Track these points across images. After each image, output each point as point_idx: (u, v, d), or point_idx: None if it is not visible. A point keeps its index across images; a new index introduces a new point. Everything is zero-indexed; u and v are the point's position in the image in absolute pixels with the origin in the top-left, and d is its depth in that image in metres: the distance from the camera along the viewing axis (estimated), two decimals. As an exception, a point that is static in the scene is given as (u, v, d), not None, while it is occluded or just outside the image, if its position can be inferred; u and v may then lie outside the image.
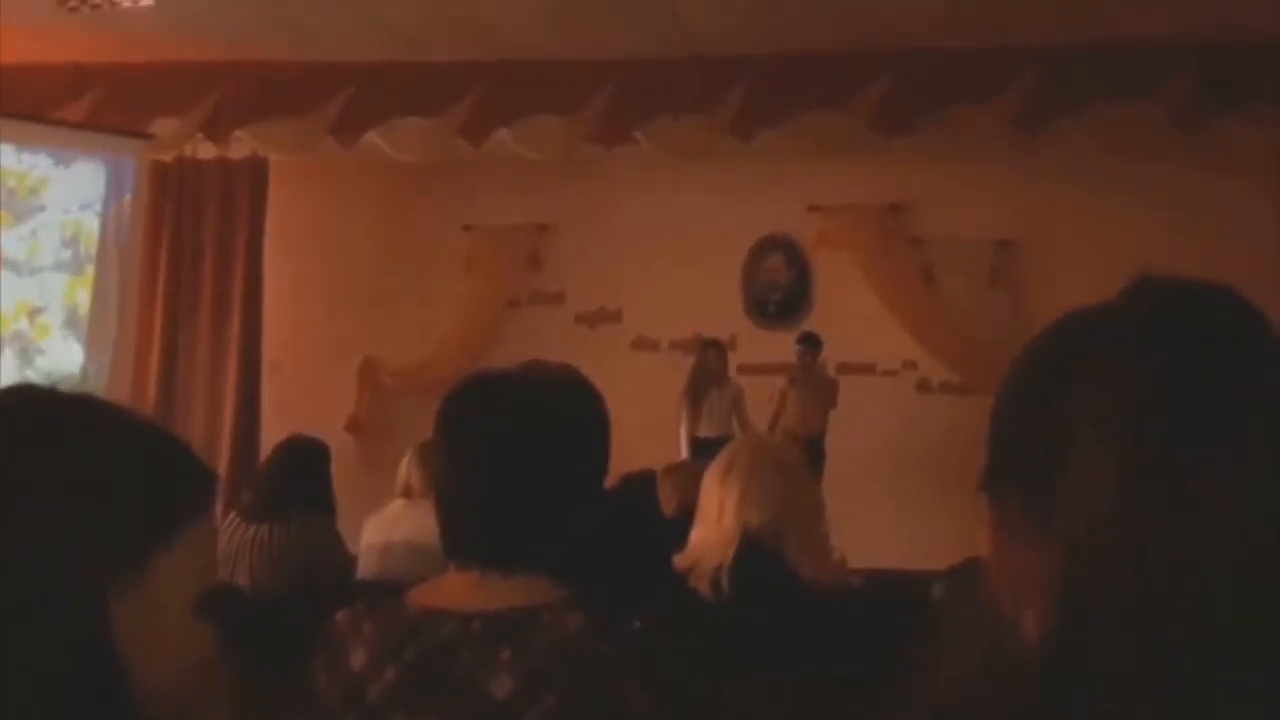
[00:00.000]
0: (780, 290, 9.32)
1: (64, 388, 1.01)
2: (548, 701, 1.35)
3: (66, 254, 8.09)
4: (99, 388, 7.52)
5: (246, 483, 5.56)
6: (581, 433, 1.51)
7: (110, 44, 7.62)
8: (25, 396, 1.01)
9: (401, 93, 7.99)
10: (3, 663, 0.86)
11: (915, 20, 7.13)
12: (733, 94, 7.85)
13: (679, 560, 2.45)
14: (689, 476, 3.31)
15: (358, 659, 1.44)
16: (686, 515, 2.60)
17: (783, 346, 8.52)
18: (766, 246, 9.32)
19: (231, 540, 4.02)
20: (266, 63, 7.96)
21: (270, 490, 4.18)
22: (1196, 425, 0.74)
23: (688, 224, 9.02)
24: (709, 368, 8.27)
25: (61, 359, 7.92)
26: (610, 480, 1.57)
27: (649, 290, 9.10)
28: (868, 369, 8.96)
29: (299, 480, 4.22)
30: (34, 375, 7.50)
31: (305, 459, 4.34)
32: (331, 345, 9.19)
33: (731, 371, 8.59)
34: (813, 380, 8.26)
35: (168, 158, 8.60)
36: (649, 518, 3.71)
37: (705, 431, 8.11)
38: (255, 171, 8.73)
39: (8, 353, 7.81)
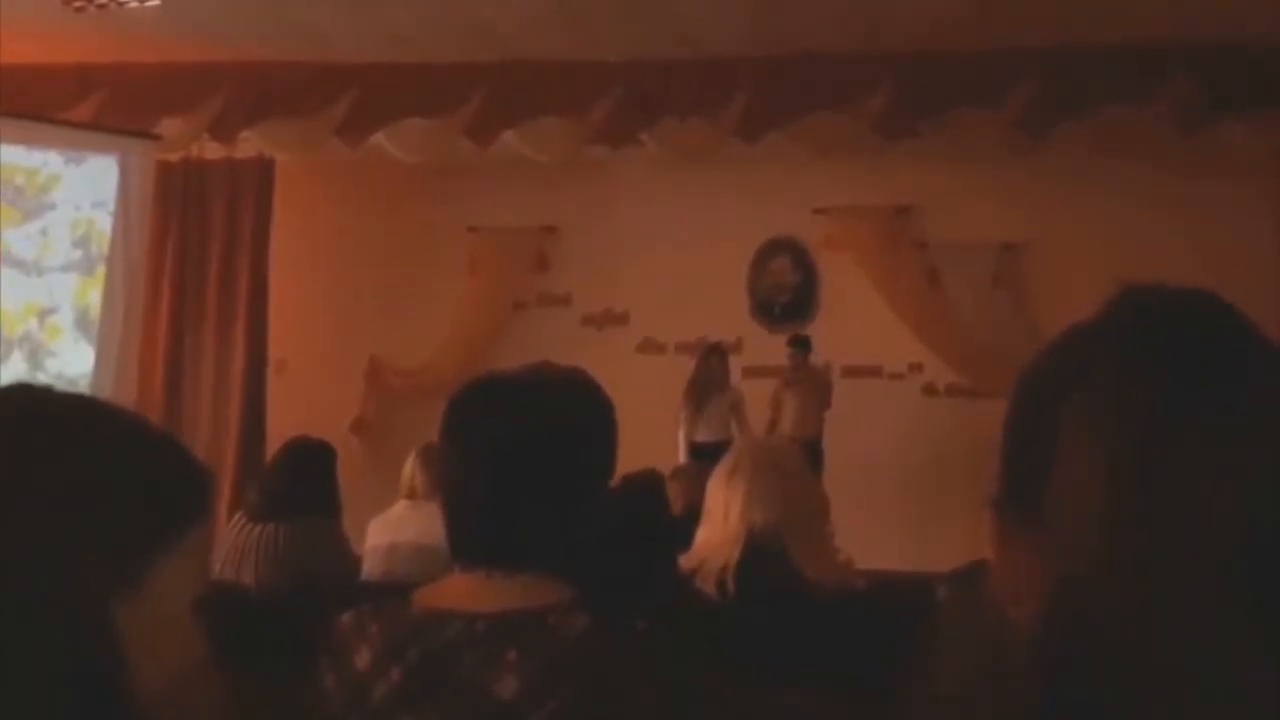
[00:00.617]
0: (786, 292, 9.32)
1: (69, 389, 1.01)
2: (553, 703, 1.35)
3: (77, 254, 7.95)
4: (106, 389, 7.51)
5: (252, 483, 5.56)
6: (588, 435, 1.51)
7: (116, 44, 7.63)
8: (26, 396, 1.00)
9: (407, 94, 7.99)
10: (3, 665, 0.85)
11: (920, 23, 7.13)
12: (739, 96, 7.85)
13: (684, 561, 2.45)
14: (696, 478, 3.32)
15: (363, 659, 1.44)
16: (693, 517, 2.61)
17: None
18: (772, 249, 9.32)
19: (237, 540, 4.03)
20: (272, 63, 7.97)
21: (276, 491, 4.19)
22: (1187, 432, 0.74)
23: (694, 226, 9.03)
24: (711, 373, 8.27)
25: (72, 362, 7.81)
26: (614, 481, 1.57)
27: (655, 292, 9.11)
28: (874, 371, 8.96)
29: (305, 481, 4.22)
30: (44, 378, 7.41)
31: (312, 460, 4.35)
32: (337, 346, 9.20)
33: (737, 374, 8.60)
34: (806, 382, 8.25)
35: (174, 158, 8.61)
36: (656, 516, 3.72)
37: (703, 436, 8.11)
38: (261, 172, 8.75)
39: (17, 355, 7.69)
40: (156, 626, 0.93)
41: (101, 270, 8.00)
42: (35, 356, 7.78)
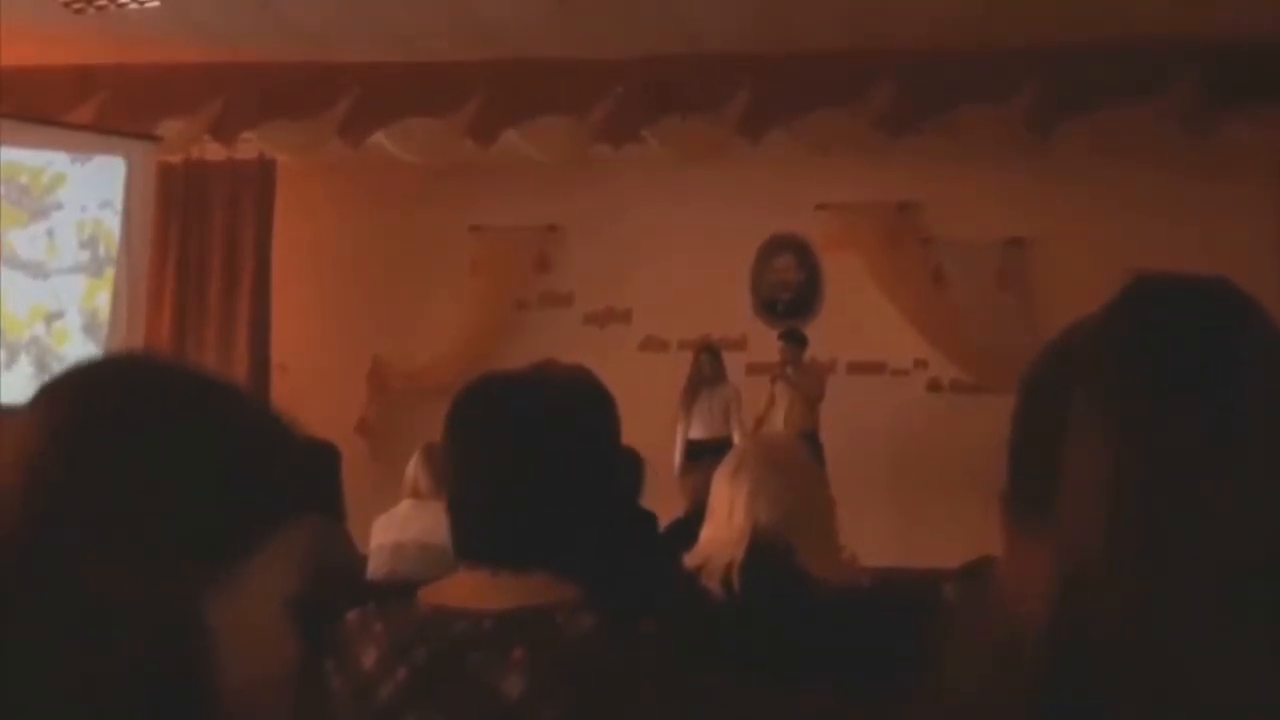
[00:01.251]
0: (790, 290, 9.32)
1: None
2: (560, 701, 1.34)
3: (85, 255, 7.76)
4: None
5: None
6: (591, 432, 1.51)
7: (116, 46, 7.63)
8: (137, 365, 0.95)
9: (409, 94, 7.99)
10: (87, 650, 0.79)
11: (923, 21, 7.12)
12: (741, 94, 7.85)
13: (689, 559, 2.45)
14: (704, 474, 3.31)
15: (369, 659, 1.44)
16: (701, 513, 2.61)
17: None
18: (776, 246, 9.32)
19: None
20: (273, 64, 7.97)
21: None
22: (1194, 425, 0.74)
23: (696, 224, 9.02)
24: (701, 371, 8.28)
25: (81, 367, 7.69)
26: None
27: (658, 291, 9.10)
28: (878, 368, 8.96)
29: (309, 482, 4.21)
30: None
31: (315, 460, 4.33)
32: (339, 347, 9.20)
33: (741, 371, 8.59)
34: (798, 376, 8.22)
35: (175, 160, 8.61)
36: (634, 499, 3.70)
37: (696, 434, 8.12)
38: (263, 173, 8.75)
39: (24, 360, 7.53)
40: (249, 624, 0.86)
41: (110, 272, 7.84)
42: (43, 361, 7.57)
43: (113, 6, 6.80)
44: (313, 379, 8.96)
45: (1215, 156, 7.99)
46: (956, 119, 7.70)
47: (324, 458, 4.38)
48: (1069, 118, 7.58)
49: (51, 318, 7.73)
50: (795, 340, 8.32)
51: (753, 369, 8.74)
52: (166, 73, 8.01)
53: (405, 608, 1.47)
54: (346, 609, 1.51)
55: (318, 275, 9.23)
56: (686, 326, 9.01)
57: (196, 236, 8.74)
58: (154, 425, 0.87)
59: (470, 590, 1.45)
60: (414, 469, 4.48)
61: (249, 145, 8.51)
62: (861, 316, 8.83)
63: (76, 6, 6.73)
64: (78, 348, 7.66)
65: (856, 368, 8.81)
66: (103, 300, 7.84)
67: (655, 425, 7.87)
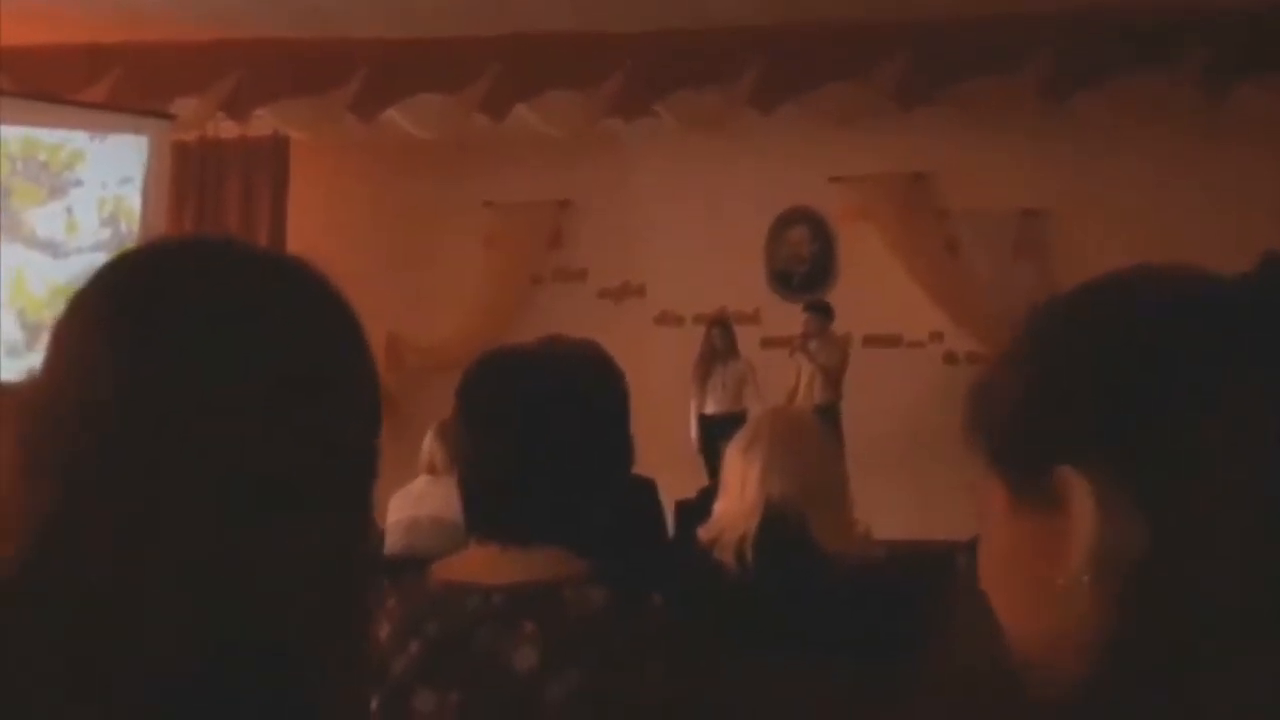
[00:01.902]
0: (804, 263, 9.29)
1: None
2: (571, 675, 1.35)
3: (106, 233, 7.62)
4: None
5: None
6: (600, 406, 1.51)
7: (129, 24, 7.63)
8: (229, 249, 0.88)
9: (420, 69, 7.98)
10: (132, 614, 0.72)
11: (937, -12, 7.07)
12: (753, 66, 7.81)
13: (702, 532, 2.45)
14: None
15: (382, 633, 1.44)
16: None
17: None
18: (789, 219, 9.29)
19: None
20: (285, 41, 7.96)
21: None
22: None
23: (710, 197, 9.00)
24: (714, 345, 8.26)
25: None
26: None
27: (672, 265, 9.09)
28: (894, 341, 8.93)
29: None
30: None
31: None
32: (355, 323, 9.21)
33: (756, 344, 8.57)
34: (819, 349, 8.18)
35: (189, 138, 8.62)
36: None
37: (710, 409, 8.10)
38: (276, 150, 8.76)
39: (45, 341, 7.50)
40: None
41: (131, 250, 7.85)
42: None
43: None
44: (328, 355, 8.98)
45: (1230, 124, 7.92)
46: (970, 89, 7.65)
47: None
48: (1083, 86, 7.52)
49: (71, 298, 7.71)
50: (819, 311, 8.27)
51: (767, 343, 8.73)
52: (179, 50, 8.00)
53: (418, 583, 1.48)
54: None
55: (332, 252, 9.12)
56: (701, 301, 8.99)
57: (211, 214, 8.76)
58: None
59: (481, 565, 1.45)
60: (429, 444, 4.50)
61: (262, 122, 8.51)
62: (876, 289, 8.80)
63: (87, -16, 6.73)
64: (100, 329, 7.64)
65: (872, 340, 8.78)
66: (124, 280, 7.80)
67: (670, 400, 7.89)
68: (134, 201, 7.84)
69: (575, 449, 1.46)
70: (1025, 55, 7.50)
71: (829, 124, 8.15)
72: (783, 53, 7.74)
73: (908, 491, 8.03)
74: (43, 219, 7.58)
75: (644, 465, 1.76)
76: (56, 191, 7.65)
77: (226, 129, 8.60)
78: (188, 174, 8.67)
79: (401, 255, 9.27)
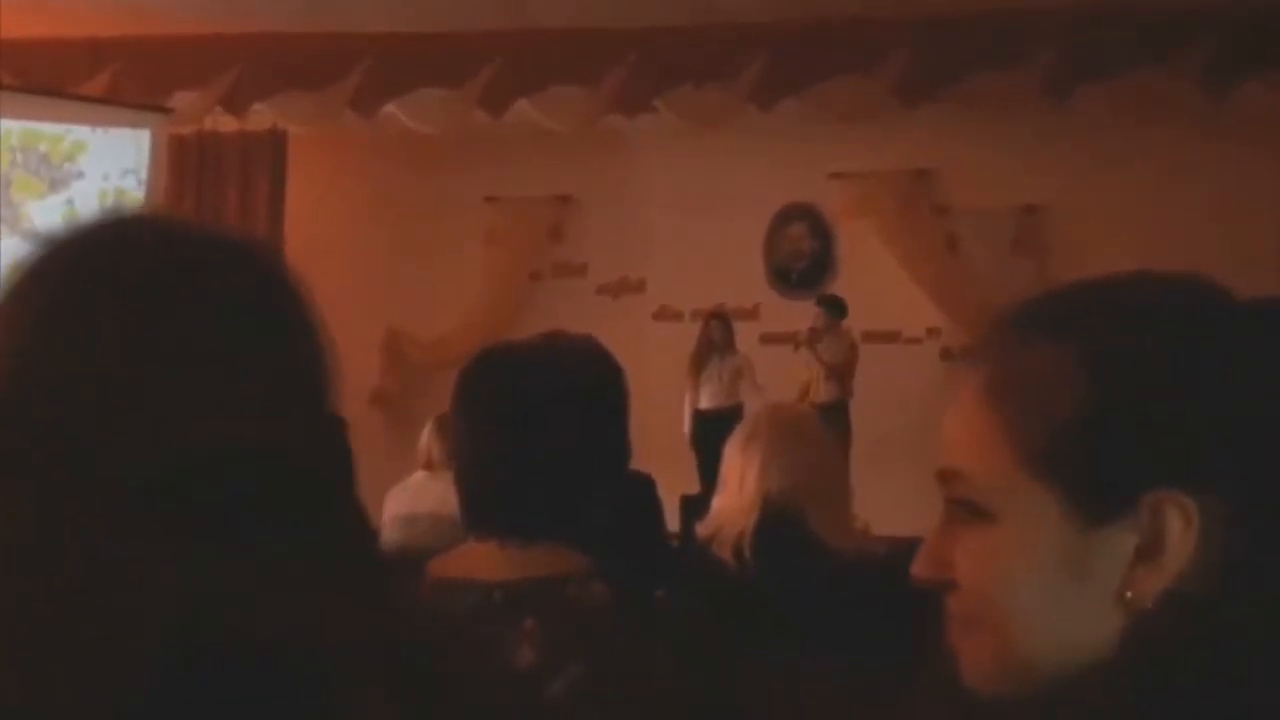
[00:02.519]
0: (803, 259, 9.29)
1: None
2: (571, 672, 1.34)
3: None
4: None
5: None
6: (598, 403, 1.50)
7: (128, 18, 7.62)
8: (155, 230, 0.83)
9: (420, 64, 7.97)
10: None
11: (938, -15, 7.06)
12: (754, 62, 7.80)
13: (701, 528, 2.45)
14: None
15: (379, 631, 1.44)
16: None
17: (806, 315, 8.48)
18: (789, 215, 9.28)
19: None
20: (285, 35, 7.95)
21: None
22: None
23: (710, 193, 8.99)
24: (712, 338, 8.24)
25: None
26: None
27: (672, 260, 9.09)
28: (892, 337, 8.93)
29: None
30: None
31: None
32: (353, 319, 9.13)
33: (755, 341, 8.57)
34: (827, 345, 8.17)
35: (187, 132, 8.60)
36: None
37: (705, 403, 8.08)
38: (274, 145, 8.74)
39: None
40: None
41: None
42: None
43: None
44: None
45: (1232, 121, 7.91)
46: (973, 85, 7.64)
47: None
48: (1085, 83, 7.51)
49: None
50: (829, 306, 8.24)
51: (766, 339, 8.72)
52: (178, 44, 7.99)
53: (415, 579, 1.47)
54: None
55: (331, 247, 9.22)
56: (700, 296, 8.99)
57: (209, 209, 8.74)
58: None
59: (480, 562, 1.45)
60: (427, 440, 4.49)
61: (261, 117, 8.49)
62: (875, 285, 8.80)
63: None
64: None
65: (870, 336, 8.77)
66: (128, 275, 7.77)
67: (669, 395, 7.89)
68: (137, 194, 7.80)
69: (575, 445, 1.46)
70: (1027, 52, 7.50)
71: (829, 120, 8.14)
72: (784, 49, 7.73)
73: (905, 487, 8.00)
74: (43, 213, 7.53)
75: (642, 461, 1.76)
76: (58, 184, 7.62)
77: (225, 123, 8.59)
78: (185, 168, 8.66)
79: (401, 251, 9.26)
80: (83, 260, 0.77)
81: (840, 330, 8.26)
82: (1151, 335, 0.73)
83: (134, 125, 7.96)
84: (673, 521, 4.81)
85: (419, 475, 4.47)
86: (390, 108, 8.17)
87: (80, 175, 7.65)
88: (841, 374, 8.13)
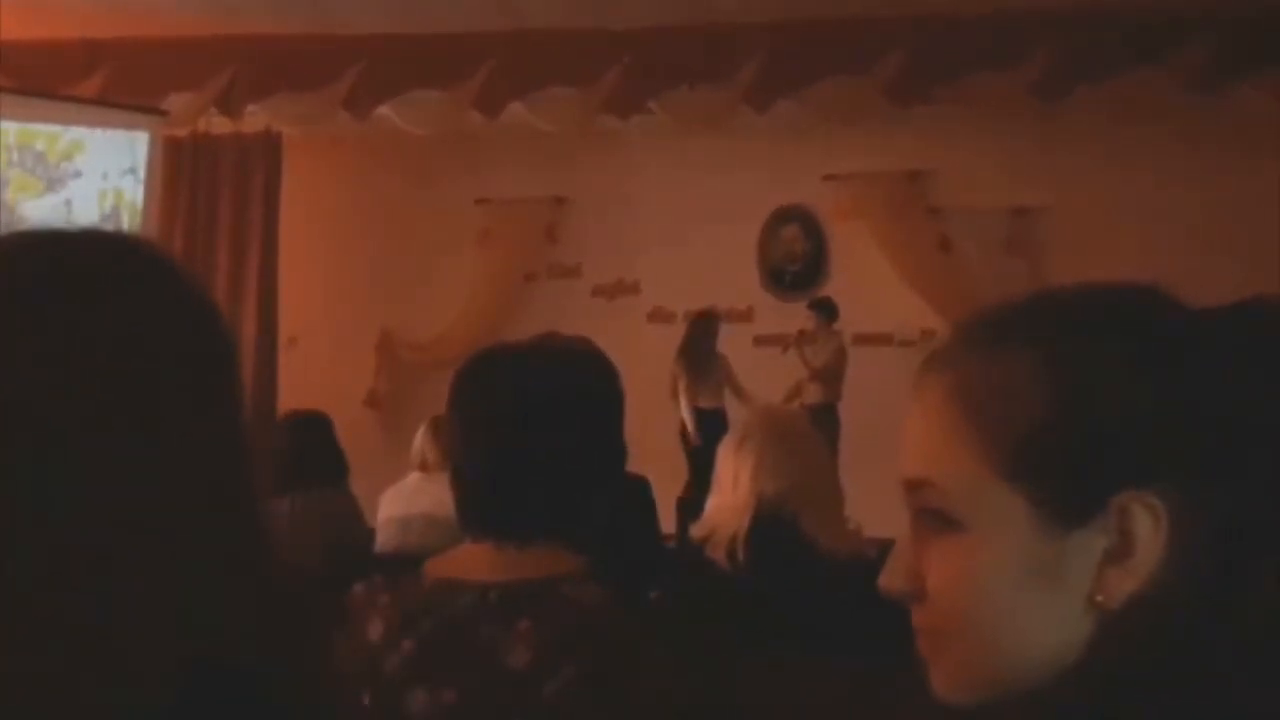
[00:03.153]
0: (797, 261, 9.30)
1: None
2: (566, 672, 1.35)
3: (107, 227, 7.54)
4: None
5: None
6: (593, 404, 1.51)
7: (123, 19, 7.61)
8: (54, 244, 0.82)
9: (415, 65, 7.96)
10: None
11: (932, -14, 7.07)
12: (748, 63, 7.80)
13: (694, 530, 2.46)
14: None
15: (375, 631, 1.44)
16: None
17: (800, 318, 8.49)
18: (783, 217, 9.29)
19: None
20: (279, 36, 7.94)
21: (283, 465, 4.19)
22: None
23: (704, 195, 8.99)
24: (708, 339, 8.21)
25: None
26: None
27: (666, 262, 9.09)
28: (885, 339, 8.93)
29: (306, 453, 4.25)
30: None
31: (309, 431, 4.37)
32: (348, 320, 9.20)
33: (749, 343, 8.57)
34: (816, 348, 8.17)
35: (181, 133, 8.60)
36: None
37: (705, 402, 8.07)
38: (269, 146, 8.73)
39: None
40: None
41: (135, 245, 7.73)
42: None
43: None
44: (322, 352, 8.98)
45: (1226, 123, 7.93)
46: (967, 86, 7.65)
47: (316, 426, 4.41)
48: (1080, 84, 7.52)
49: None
50: (822, 309, 8.24)
51: (760, 341, 8.73)
52: (172, 46, 7.98)
53: (411, 580, 1.48)
54: (354, 581, 1.52)
55: (326, 248, 9.22)
56: (694, 298, 8.99)
57: (203, 210, 8.73)
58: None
59: (475, 562, 1.45)
60: (421, 441, 4.49)
61: (255, 118, 8.48)
62: (869, 287, 8.80)
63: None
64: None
65: (863, 339, 8.78)
66: (127, 276, 7.70)
67: (663, 397, 7.89)
68: (135, 194, 7.76)
69: (570, 446, 1.46)
70: (1021, 53, 7.50)
71: (823, 122, 8.15)
72: (778, 50, 7.73)
73: (897, 489, 8.03)
74: (39, 213, 7.45)
75: (636, 462, 1.77)
76: (55, 184, 7.55)
77: (219, 125, 8.58)
78: (180, 170, 8.65)
79: (395, 252, 9.26)
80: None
81: (831, 333, 8.27)
82: (1114, 340, 0.74)
83: (129, 127, 7.93)
84: (668, 523, 4.82)
85: (414, 477, 4.47)
86: (384, 109, 8.17)
87: (78, 175, 7.60)
88: (828, 377, 8.13)
